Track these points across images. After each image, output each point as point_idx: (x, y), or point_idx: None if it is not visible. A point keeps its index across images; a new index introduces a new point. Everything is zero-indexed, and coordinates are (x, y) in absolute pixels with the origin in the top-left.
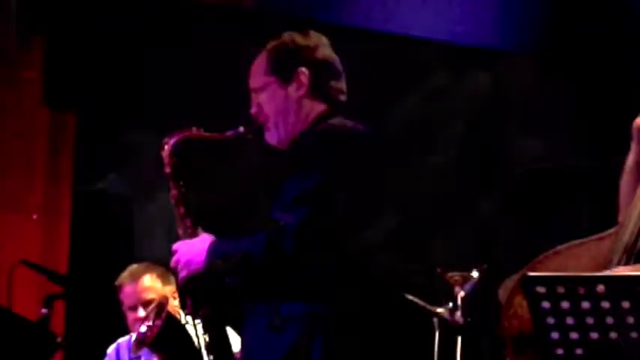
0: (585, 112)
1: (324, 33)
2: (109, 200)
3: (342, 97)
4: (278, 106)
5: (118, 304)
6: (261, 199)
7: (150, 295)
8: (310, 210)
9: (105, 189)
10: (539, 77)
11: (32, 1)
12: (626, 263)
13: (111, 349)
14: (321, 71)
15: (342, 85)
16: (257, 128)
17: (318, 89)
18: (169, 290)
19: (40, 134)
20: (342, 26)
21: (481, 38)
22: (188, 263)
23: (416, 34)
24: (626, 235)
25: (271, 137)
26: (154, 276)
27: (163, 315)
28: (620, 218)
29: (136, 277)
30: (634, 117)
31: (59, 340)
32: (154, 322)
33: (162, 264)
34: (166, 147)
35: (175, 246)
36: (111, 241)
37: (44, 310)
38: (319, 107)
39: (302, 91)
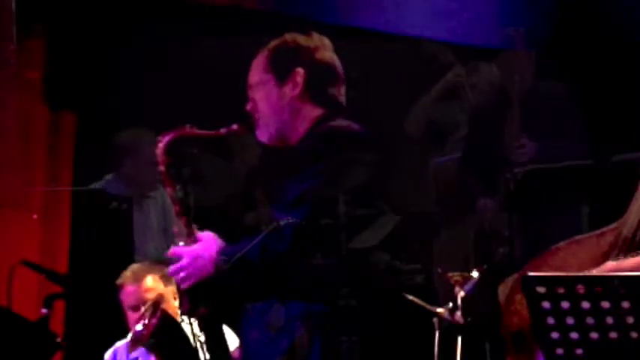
0: (585, 112)
1: (325, 33)
2: (109, 200)
3: (341, 100)
4: (272, 105)
5: (118, 303)
6: (258, 197)
7: (152, 296)
8: (310, 211)
9: (104, 189)
10: (539, 77)
11: (32, 1)
12: (625, 257)
13: (108, 354)
14: (319, 73)
15: (341, 90)
16: (251, 126)
17: (314, 91)
18: (171, 291)
19: (40, 134)
20: (344, 27)
21: (481, 37)
22: (200, 270)
23: (414, 34)
24: (626, 229)
25: (261, 134)
26: (157, 277)
27: (158, 313)
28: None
29: (138, 278)
30: (634, 117)
31: (59, 340)
32: (149, 321)
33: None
34: (160, 145)
35: (176, 250)
36: (111, 241)
37: (44, 310)
38: (316, 111)
39: (296, 91)
